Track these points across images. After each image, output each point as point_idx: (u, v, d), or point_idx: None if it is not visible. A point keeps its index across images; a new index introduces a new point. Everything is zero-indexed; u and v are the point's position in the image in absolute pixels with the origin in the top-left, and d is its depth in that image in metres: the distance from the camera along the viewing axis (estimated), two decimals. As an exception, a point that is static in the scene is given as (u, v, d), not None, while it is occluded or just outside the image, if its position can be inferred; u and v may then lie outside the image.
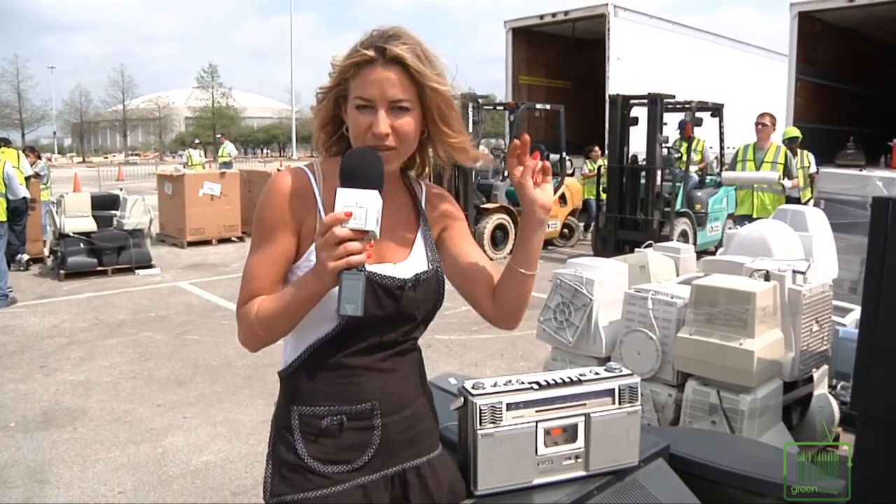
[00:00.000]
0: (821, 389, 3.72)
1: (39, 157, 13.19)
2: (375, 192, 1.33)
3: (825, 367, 3.70)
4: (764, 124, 7.84)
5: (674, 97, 9.96)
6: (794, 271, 3.27)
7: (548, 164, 1.50)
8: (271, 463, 1.54)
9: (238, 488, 3.79)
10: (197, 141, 22.42)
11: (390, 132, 1.42)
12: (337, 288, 1.34)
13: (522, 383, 1.72)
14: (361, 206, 1.30)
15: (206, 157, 23.55)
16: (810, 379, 3.55)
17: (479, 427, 1.65)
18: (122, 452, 4.25)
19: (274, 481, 1.52)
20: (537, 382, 1.72)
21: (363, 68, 1.42)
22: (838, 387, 4.03)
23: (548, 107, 12.82)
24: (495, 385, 1.70)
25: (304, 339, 1.49)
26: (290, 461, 1.50)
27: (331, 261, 1.28)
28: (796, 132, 9.38)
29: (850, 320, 4.27)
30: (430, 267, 1.57)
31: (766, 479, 2.06)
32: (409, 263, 1.54)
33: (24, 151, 12.93)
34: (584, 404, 1.74)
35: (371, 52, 1.41)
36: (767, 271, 3.24)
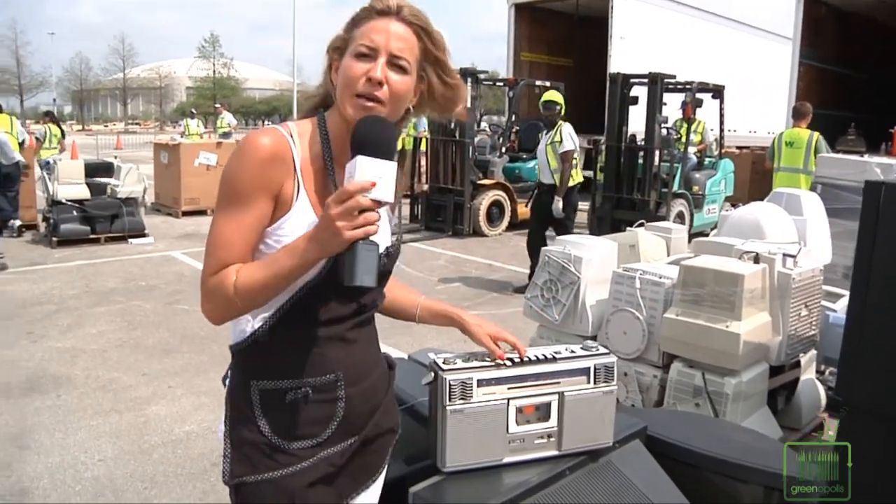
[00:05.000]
0: (808, 375, 3.69)
1: (56, 123, 13.31)
2: (395, 164, 1.30)
3: (813, 352, 3.66)
4: None
5: (674, 77, 9.85)
6: (784, 254, 3.23)
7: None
8: (229, 442, 1.47)
9: (218, 458, 3.72)
10: (194, 111, 22.28)
11: (385, 81, 1.37)
12: (339, 256, 1.30)
13: (495, 359, 1.68)
14: (383, 177, 1.26)
15: (205, 127, 23.39)
16: (797, 364, 3.52)
17: (448, 403, 1.61)
18: (105, 420, 4.23)
19: (234, 462, 1.46)
20: (510, 359, 1.68)
21: (374, 18, 1.40)
22: (826, 372, 4.01)
23: (547, 84, 12.68)
24: (467, 360, 1.67)
25: (262, 309, 1.41)
26: (252, 440, 1.44)
27: (349, 230, 1.24)
28: (551, 96, 8.01)
29: (841, 306, 4.23)
30: (395, 239, 1.54)
31: (745, 464, 2.03)
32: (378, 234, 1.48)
33: (45, 116, 13.19)
34: (559, 382, 1.70)
35: (392, 3, 1.40)
36: (757, 254, 3.19)
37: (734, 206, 7.88)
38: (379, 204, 1.27)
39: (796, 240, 3.87)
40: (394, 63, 1.38)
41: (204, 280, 1.40)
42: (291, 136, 1.42)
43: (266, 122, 70.91)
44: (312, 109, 1.52)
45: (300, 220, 1.38)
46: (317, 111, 1.50)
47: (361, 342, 1.51)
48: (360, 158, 1.27)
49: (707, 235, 8.46)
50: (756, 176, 13.75)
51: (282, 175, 1.39)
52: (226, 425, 1.50)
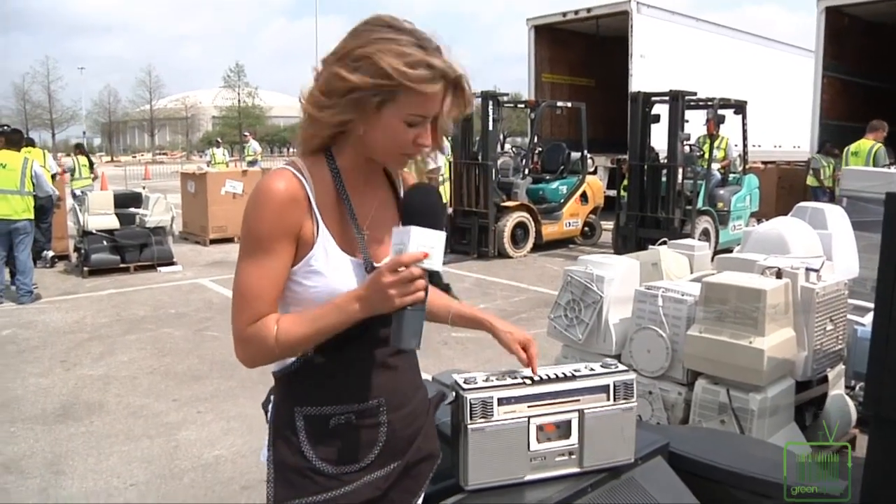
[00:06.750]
0: (836, 390, 3.66)
1: (84, 154, 13.72)
2: (444, 234, 1.37)
3: (841, 366, 3.63)
4: None
5: (695, 94, 9.85)
6: (807, 269, 3.22)
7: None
8: (273, 467, 1.49)
9: (248, 482, 3.81)
10: (220, 140, 22.64)
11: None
12: (386, 316, 1.36)
13: (516, 378, 1.71)
14: (433, 247, 1.33)
15: (231, 155, 23.76)
16: (825, 379, 3.50)
17: (469, 422, 1.63)
18: (136, 446, 4.29)
19: (278, 486, 1.47)
20: (530, 377, 1.70)
21: (435, 83, 1.36)
22: (856, 387, 3.97)
23: (569, 104, 12.74)
24: (488, 380, 1.69)
25: None
26: (296, 464, 1.46)
27: (400, 297, 1.31)
28: None
29: (869, 320, 4.19)
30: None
31: (770, 479, 2.02)
32: None
33: (75, 148, 13.59)
34: (578, 400, 1.72)
35: (454, 74, 1.38)
36: (779, 269, 3.19)
37: (760, 221, 7.83)
38: (429, 272, 1.34)
39: (821, 254, 3.85)
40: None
41: (240, 329, 1.41)
42: (303, 175, 1.43)
43: (291, 150, 71.69)
44: (317, 150, 1.49)
45: (326, 254, 1.41)
46: (323, 149, 1.49)
47: (403, 368, 1.54)
48: (413, 229, 1.33)
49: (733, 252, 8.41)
50: (782, 191, 13.64)
51: (300, 216, 1.41)
52: (269, 450, 1.51)
